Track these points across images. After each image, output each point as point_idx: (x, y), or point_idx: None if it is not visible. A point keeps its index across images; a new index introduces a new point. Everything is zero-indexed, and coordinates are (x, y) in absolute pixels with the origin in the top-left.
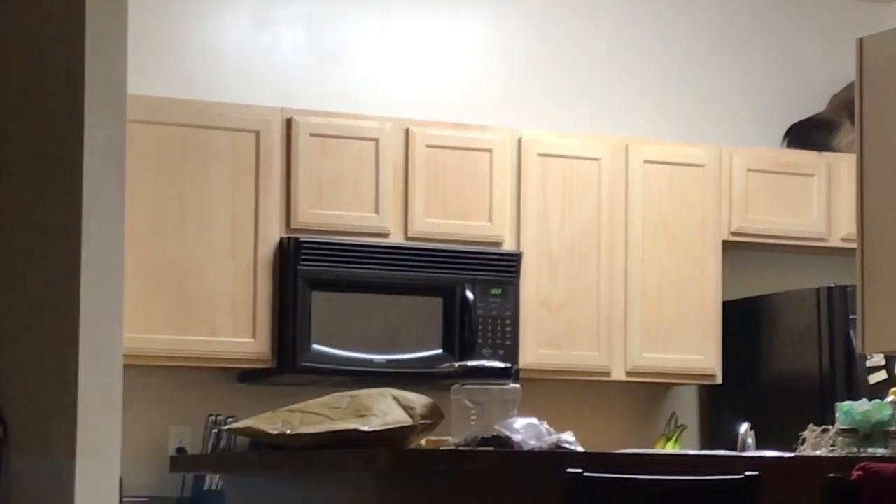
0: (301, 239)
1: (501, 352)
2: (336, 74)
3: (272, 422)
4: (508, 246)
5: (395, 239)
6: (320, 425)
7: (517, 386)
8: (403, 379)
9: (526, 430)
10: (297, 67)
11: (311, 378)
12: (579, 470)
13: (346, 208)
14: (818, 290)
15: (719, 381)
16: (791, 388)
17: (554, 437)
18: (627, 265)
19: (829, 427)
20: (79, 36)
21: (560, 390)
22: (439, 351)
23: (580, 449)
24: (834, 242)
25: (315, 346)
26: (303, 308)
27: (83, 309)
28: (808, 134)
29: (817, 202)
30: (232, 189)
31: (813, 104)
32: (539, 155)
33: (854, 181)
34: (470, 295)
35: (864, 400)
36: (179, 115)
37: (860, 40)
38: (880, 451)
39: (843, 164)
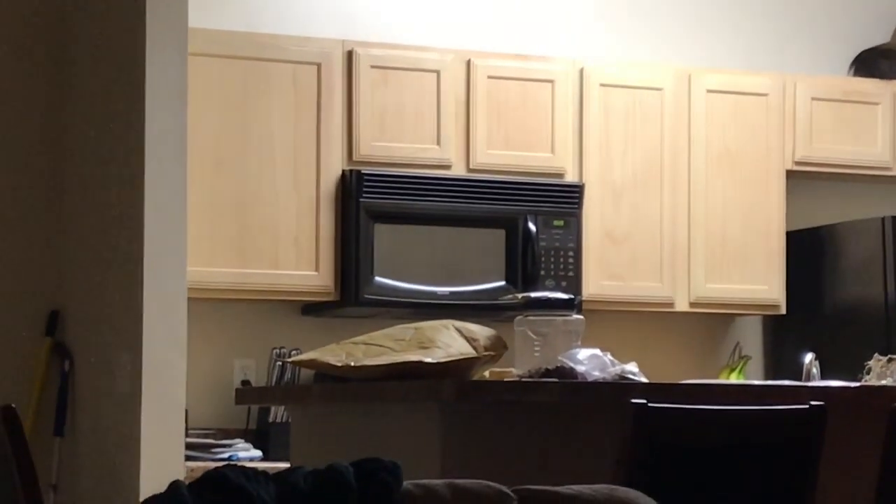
0: (363, 171)
1: (564, 283)
2: (397, 5)
3: (336, 354)
4: (571, 177)
5: (457, 171)
6: (384, 357)
7: (580, 317)
8: (466, 311)
9: (590, 360)
10: None
11: (373, 310)
12: (643, 400)
13: (408, 140)
14: (883, 219)
15: (783, 311)
16: (856, 317)
17: (618, 368)
18: (690, 196)
19: (894, 356)
20: None
21: (623, 321)
22: (502, 283)
23: (644, 380)
24: None
25: (378, 279)
26: (365, 240)
27: (147, 243)
28: (875, 62)
29: (882, 131)
30: (294, 122)
31: (877, 31)
32: (601, 85)
33: None
34: (532, 227)
35: None
36: (240, 48)
37: None
38: None
39: None
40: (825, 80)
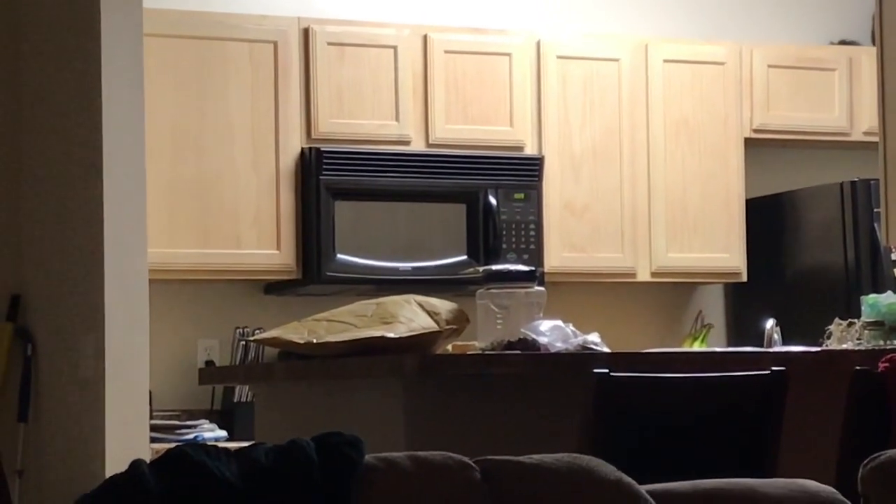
0: (322, 149)
1: (526, 256)
2: None
3: (298, 331)
4: (530, 150)
5: (417, 146)
6: (346, 333)
7: (542, 289)
8: (428, 286)
9: (552, 332)
10: None
11: (336, 288)
12: (606, 370)
13: (367, 117)
14: (841, 184)
15: (745, 278)
16: (816, 282)
17: (580, 339)
18: (650, 166)
19: (855, 320)
20: None
21: (585, 293)
22: (464, 257)
23: (606, 350)
24: (856, 136)
25: (339, 256)
26: (326, 218)
27: (107, 225)
28: None
29: (839, 96)
30: (251, 101)
31: None
32: (558, 57)
33: (875, 74)
34: (493, 200)
35: (890, 292)
36: (196, 27)
37: None
38: None
39: (863, 58)
40: (781, 48)
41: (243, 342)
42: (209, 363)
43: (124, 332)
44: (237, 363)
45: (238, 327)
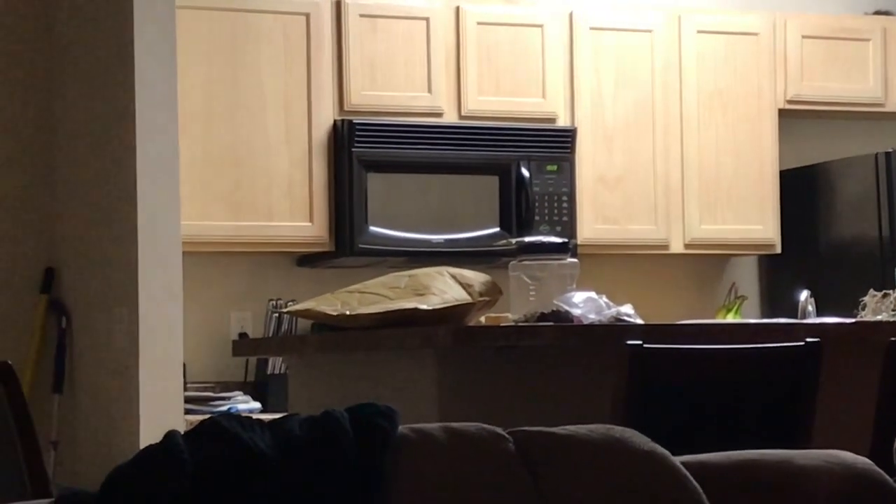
0: (355, 121)
1: (559, 228)
2: None
3: (331, 303)
4: (563, 122)
5: (449, 118)
6: (379, 305)
7: (575, 260)
8: (461, 258)
9: (585, 303)
10: None
11: (368, 260)
12: (639, 341)
13: (399, 89)
14: (876, 155)
15: (778, 250)
16: (850, 254)
17: (613, 311)
18: (683, 137)
19: (890, 291)
20: None
21: (618, 265)
22: (496, 229)
23: (639, 321)
24: (891, 107)
25: (372, 228)
26: (359, 190)
27: (140, 198)
28: None
29: (873, 67)
30: (284, 73)
31: None
32: (591, 28)
33: None
34: (525, 172)
35: None
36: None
37: None
38: None
39: None
40: (816, 18)
41: (276, 314)
42: (242, 335)
43: (158, 304)
44: (270, 335)
45: (271, 299)
